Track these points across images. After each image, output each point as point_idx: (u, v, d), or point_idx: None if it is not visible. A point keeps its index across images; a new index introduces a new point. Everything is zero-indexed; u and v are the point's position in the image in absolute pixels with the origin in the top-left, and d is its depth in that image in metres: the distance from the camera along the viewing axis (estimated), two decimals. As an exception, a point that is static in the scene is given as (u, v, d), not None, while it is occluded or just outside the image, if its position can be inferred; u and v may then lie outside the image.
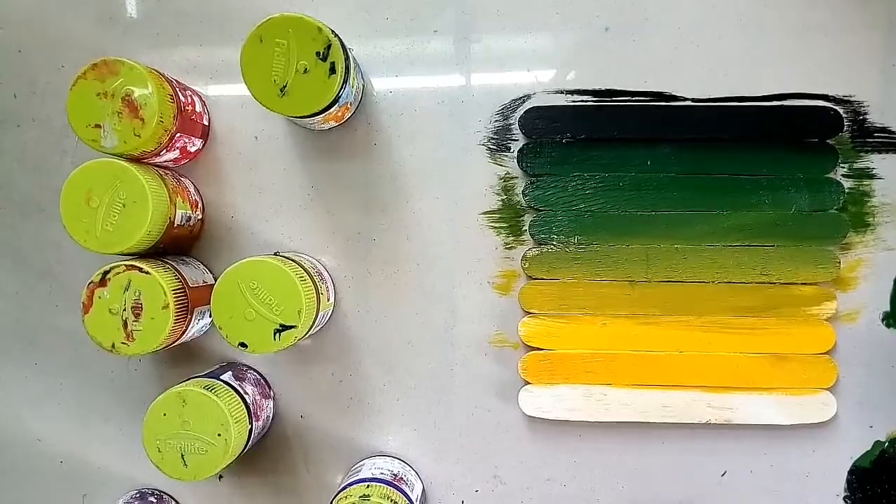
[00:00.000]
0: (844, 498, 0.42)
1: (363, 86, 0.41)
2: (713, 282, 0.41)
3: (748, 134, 0.40)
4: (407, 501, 0.38)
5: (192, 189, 0.41)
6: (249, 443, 0.38)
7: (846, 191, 0.40)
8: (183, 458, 0.36)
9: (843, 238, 0.40)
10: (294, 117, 0.36)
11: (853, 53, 0.40)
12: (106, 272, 0.35)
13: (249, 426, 0.38)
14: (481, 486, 0.43)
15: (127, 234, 0.35)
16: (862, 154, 0.40)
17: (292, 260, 0.38)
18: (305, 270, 0.37)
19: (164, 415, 0.36)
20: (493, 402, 0.42)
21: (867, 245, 0.41)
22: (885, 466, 0.41)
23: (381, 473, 0.39)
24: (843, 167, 0.40)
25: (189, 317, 0.37)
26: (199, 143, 0.41)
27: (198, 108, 0.40)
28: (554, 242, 0.41)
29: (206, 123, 0.41)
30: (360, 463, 0.42)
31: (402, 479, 0.40)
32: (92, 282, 0.35)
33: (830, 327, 0.41)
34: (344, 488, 0.38)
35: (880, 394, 0.41)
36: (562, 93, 0.41)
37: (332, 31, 0.35)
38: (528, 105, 0.41)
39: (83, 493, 0.44)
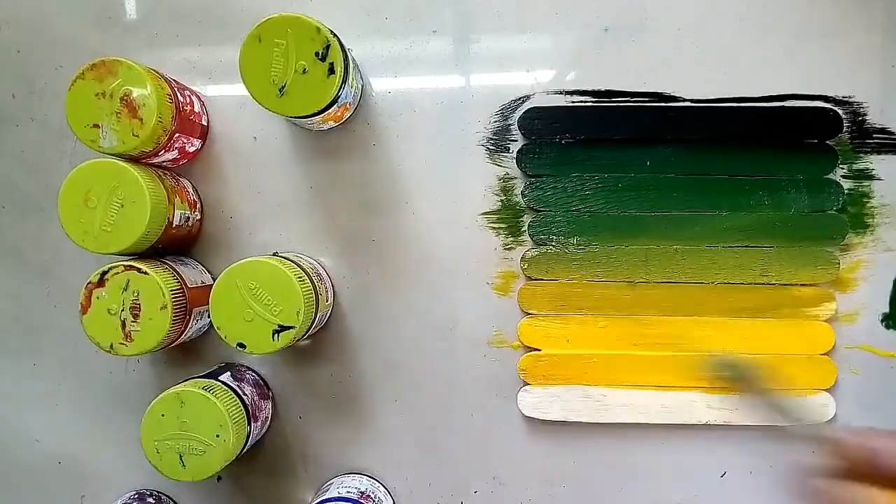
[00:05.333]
0: None
1: (362, 86, 0.41)
2: (712, 283, 0.41)
3: (747, 135, 0.40)
4: None
5: (190, 189, 0.41)
6: (248, 444, 0.38)
7: (845, 192, 0.40)
8: (181, 459, 0.36)
9: (842, 239, 0.40)
10: (293, 117, 0.36)
11: (853, 54, 0.40)
12: (104, 272, 0.35)
13: (248, 427, 0.38)
14: (480, 487, 0.43)
15: (125, 234, 0.35)
16: (861, 155, 0.40)
17: (291, 260, 0.38)
18: (304, 271, 0.37)
19: (163, 416, 0.36)
20: (491, 402, 0.42)
21: (866, 246, 0.41)
22: (885, 468, 0.41)
23: (349, 492, 0.39)
24: (843, 168, 0.40)
25: (187, 317, 0.37)
26: (197, 143, 0.41)
27: (196, 108, 0.40)
28: (553, 243, 0.41)
29: (205, 123, 0.41)
30: (329, 482, 0.42)
31: (369, 496, 0.40)
32: (90, 282, 0.35)
33: (830, 328, 0.40)
34: None
35: (879, 395, 0.41)
36: (561, 93, 0.41)
37: (331, 32, 0.35)
38: (527, 105, 0.41)
39: (81, 494, 0.44)
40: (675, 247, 0.41)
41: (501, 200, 0.41)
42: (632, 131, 0.40)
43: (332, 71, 0.34)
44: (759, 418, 0.40)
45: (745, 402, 0.35)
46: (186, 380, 0.38)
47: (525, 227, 0.41)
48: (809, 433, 0.30)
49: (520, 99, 0.41)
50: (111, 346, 0.36)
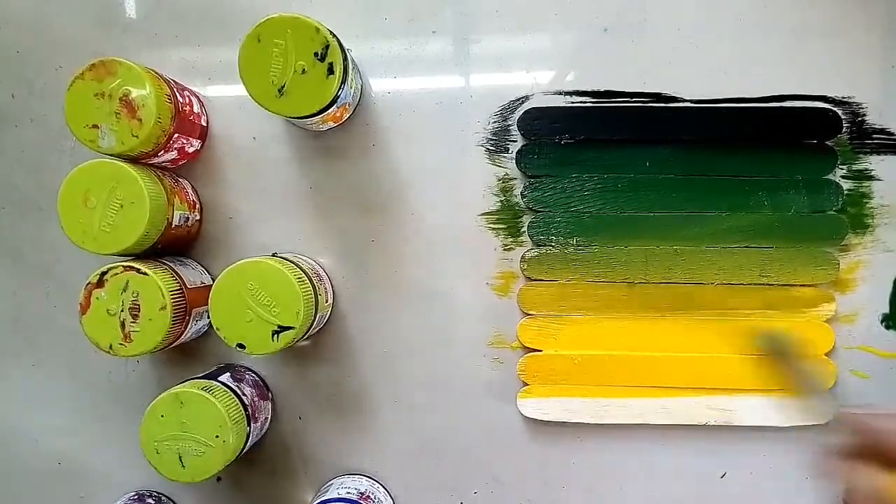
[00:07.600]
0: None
1: (361, 86, 0.41)
2: (712, 283, 0.41)
3: (747, 135, 0.40)
4: None
5: (189, 190, 0.41)
6: (247, 444, 0.38)
7: (845, 192, 0.40)
8: (181, 460, 0.36)
9: (841, 240, 0.40)
10: (292, 118, 0.36)
11: (852, 55, 0.40)
12: (104, 273, 0.35)
13: (247, 428, 0.38)
14: (480, 488, 0.43)
15: (124, 234, 0.35)
16: (861, 155, 0.40)
17: (290, 261, 0.38)
18: (304, 271, 0.37)
19: (162, 416, 0.36)
20: (491, 403, 0.42)
21: (866, 247, 0.41)
22: (884, 468, 0.41)
23: (348, 493, 0.39)
24: (842, 168, 0.40)
25: (187, 318, 0.37)
26: (197, 143, 0.41)
27: (196, 108, 0.40)
28: (552, 244, 0.41)
29: (204, 124, 0.41)
30: (328, 482, 0.42)
31: (368, 497, 0.40)
32: (89, 282, 0.35)
33: (829, 329, 0.40)
34: None
35: (879, 396, 0.41)
36: (561, 94, 0.41)
37: (331, 32, 0.35)
38: (526, 106, 0.41)
39: (80, 494, 0.44)
40: (674, 247, 0.41)
41: (501, 201, 0.41)
42: (631, 132, 0.40)
43: (331, 71, 0.34)
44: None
45: (782, 378, 0.38)
46: (186, 380, 0.38)
47: (524, 228, 0.41)
48: (830, 412, 0.32)
49: (519, 99, 0.41)
50: (110, 347, 0.36)
